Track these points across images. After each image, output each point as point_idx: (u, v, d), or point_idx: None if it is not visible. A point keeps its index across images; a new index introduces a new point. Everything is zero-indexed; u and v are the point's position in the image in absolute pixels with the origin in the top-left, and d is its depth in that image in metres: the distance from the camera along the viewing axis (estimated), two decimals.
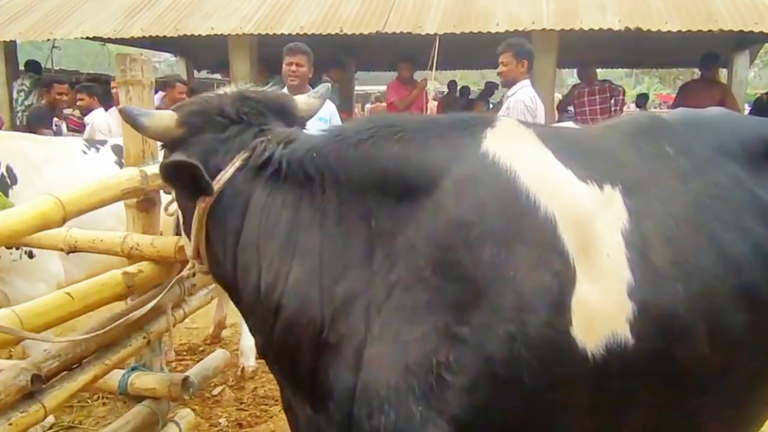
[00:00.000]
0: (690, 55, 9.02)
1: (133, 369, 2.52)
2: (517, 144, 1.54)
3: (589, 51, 8.83)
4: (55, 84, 6.97)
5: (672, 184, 1.59)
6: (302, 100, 1.95)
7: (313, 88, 4.89)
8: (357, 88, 15.18)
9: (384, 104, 9.60)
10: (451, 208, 1.41)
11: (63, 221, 1.87)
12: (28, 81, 8.11)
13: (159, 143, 2.13)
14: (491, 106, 9.44)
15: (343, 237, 1.47)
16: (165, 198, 2.34)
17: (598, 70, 8.95)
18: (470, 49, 8.67)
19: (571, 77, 15.55)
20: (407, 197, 1.44)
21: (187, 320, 2.61)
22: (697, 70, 9.10)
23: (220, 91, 1.79)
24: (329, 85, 2.27)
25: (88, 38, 8.54)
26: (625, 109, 8.59)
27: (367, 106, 16.26)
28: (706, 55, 7.47)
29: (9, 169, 3.23)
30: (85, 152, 3.62)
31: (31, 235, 2.03)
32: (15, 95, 8.21)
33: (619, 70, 20.69)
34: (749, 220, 1.58)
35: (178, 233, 2.05)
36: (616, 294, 1.40)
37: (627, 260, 1.43)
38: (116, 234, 2.38)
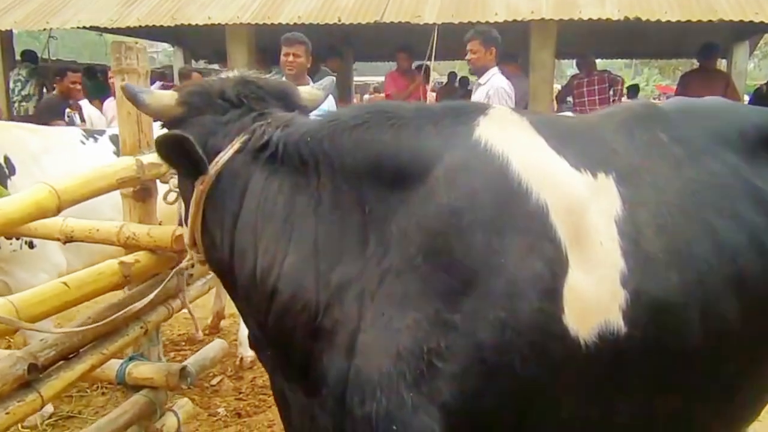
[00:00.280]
0: (689, 46, 9.00)
1: (131, 359, 2.53)
2: (510, 132, 1.53)
3: (588, 41, 8.81)
4: (68, 72, 6.66)
5: (666, 172, 1.58)
6: (306, 91, 1.95)
7: (311, 78, 4.90)
8: (356, 78, 15.13)
9: (382, 95, 9.56)
10: (442, 196, 1.41)
11: (58, 210, 1.86)
12: (24, 71, 8.09)
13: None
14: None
15: (338, 223, 1.47)
16: (163, 188, 2.33)
17: (598, 61, 8.92)
18: None
19: (570, 68, 15.49)
20: (400, 184, 1.44)
21: (185, 310, 2.60)
22: (696, 61, 9.08)
23: (222, 75, 1.79)
24: (333, 78, 2.26)
25: (84, 28, 8.49)
26: (623, 99, 8.56)
27: (366, 96, 16.19)
28: (706, 45, 7.44)
29: (7, 160, 3.23)
30: (83, 142, 3.62)
31: (26, 225, 2.03)
32: (12, 85, 8.18)
33: (619, 60, 20.66)
34: (744, 209, 1.58)
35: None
36: (608, 282, 1.40)
37: (620, 248, 1.43)
38: (113, 224, 2.37)
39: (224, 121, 1.64)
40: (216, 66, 11.39)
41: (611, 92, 7.53)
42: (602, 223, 1.45)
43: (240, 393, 3.74)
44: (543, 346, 1.35)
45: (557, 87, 9.89)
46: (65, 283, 1.97)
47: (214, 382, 3.84)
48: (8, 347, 3.83)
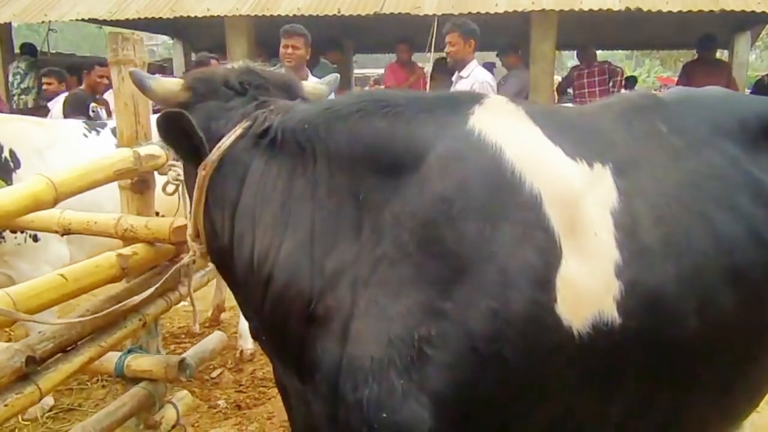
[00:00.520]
0: (691, 37, 8.93)
1: (130, 351, 2.53)
2: (505, 121, 1.53)
3: (589, 32, 8.76)
4: (96, 66, 6.39)
5: (664, 163, 1.57)
6: (311, 85, 1.97)
7: (311, 70, 4.86)
8: (356, 70, 15.08)
9: (382, 87, 9.53)
10: (434, 184, 1.41)
11: (55, 202, 1.86)
12: (23, 64, 8.07)
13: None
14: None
15: (334, 210, 1.47)
16: (161, 180, 2.33)
17: (599, 52, 8.88)
18: None
19: (570, 59, 15.43)
20: (394, 172, 1.44)
21: (184, 302, 2.60)
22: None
23: (227, 65, 1.82)
24: (337, 75, 2.27)
25: (82, 20, 8.46)
26: (621, 90, 8.51)
27: (366, 89, 16.15)
28: (705, 36, 7.42)
29: (12, 153, 3.22)
30: (86, 135, 3.61)
31: (24, 217, 2.03)
32: (11, 78, 8.16)
33: (620, 52, 20.57)
34: (743, 200, 1.57)
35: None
36: (603, 273, 1.40)
37: (615, 239, 1.42)
38: (110, 216, 2.37)
39: (228, 107, 1.66)
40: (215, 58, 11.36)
41: (611, 83, 7.49)
42: (597, 213, 1.44)
43: (240, 385, 3.74)
44: (535, 336, 1.34)
45: (558, 78, 9.84)
46: (63, 276, 1.97)
47: (214, 374, 3.85)
48: (8, 340, 3.84)
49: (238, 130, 1.59)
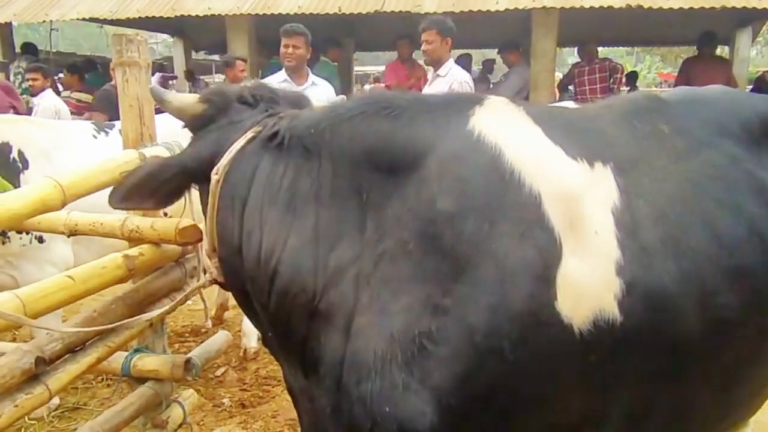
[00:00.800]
0: (692, 33, 8.92)
1: (136, 351, 2.55)
2: (505, 122, 1.55)
3: (590, 29, 8.76)
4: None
5: (666, 163, 1.58)
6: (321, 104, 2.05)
7: (311, 68, 4.85)
8: (356, 68, 15.06)
9: (383, 85, 9.52)
10: (434, 184, 1.44)
11: (63, 204, 1.87)
12: (24, 63, 8.07)
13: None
14: (491, 84, 9.36)
15: (338, 208, 1.51)
16: None
17: (599, 49, 8.86)
18: (470, 28, 8.59)
19: (571, 56, 15.42)
20: (395, 172, 1.48)
21: (189, 302, 2.61)
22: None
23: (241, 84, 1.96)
24: (344, 97, 2.30)
25: (83, 20, 8.47)
26: (621, 87, 8.50)
27: (366, 86, 16.13)
28: (705, 33, 7.41)
29: (21, 154, 3.24)
30: (94, 136, 3.63)
31: (31, 219, 2.04)
32: (12, 78, 8.17)
33: (620, 48, 20.51)
34: (745, 200, 1.58)
35: None
36: (603, 271, 1.41)
37: (616, 238, 1.43)
38: (116, 217, 2.38)
39: (239, 120, 1.74)
40: (216, 57, 11.36)
41: (611, 80, 7.49)
42: (598, 212, 1.45)
43: (244, 384, 3.76)
44: (535, 333, 1.36)
45: (559, 75, 9.84)
46: (70, 277, 1.99)
47: (218, 373, 3.87)
48: (13, 340, 3.86)
49: (248, 134, 1.66)
